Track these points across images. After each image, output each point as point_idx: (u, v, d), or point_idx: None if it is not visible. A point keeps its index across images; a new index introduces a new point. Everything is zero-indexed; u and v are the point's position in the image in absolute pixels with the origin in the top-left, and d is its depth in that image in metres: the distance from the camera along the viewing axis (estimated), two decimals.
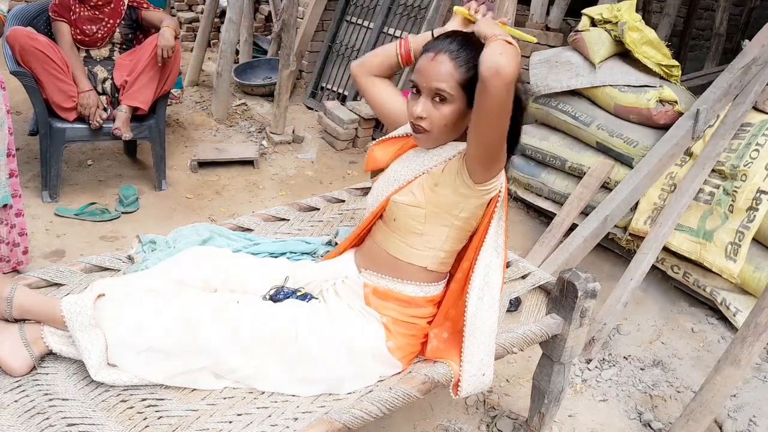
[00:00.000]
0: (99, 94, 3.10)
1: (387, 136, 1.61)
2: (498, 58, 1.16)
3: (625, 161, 2.94)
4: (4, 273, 2.32)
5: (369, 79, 1.63)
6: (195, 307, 1.38)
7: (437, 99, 1.35)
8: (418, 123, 1.39)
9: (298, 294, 1.51)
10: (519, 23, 4.01)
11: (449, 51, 1.34)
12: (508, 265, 1.94)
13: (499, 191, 1.40)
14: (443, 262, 1.49)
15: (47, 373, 1.35)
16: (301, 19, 4.99)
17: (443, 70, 1.33)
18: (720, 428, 2.11)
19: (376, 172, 1.60)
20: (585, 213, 2.93)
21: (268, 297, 1.51)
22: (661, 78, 3.05)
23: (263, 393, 1.39)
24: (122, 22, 3.23)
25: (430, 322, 1.53)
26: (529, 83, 3.31)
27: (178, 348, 1.33)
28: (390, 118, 1.63)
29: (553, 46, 3.88)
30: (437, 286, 1.52)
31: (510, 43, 1.21)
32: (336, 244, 1.85)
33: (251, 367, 1.37)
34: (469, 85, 1.31)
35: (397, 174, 1.47)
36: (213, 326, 1.35)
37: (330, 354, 1.39)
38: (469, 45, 1.34)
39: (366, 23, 4.71)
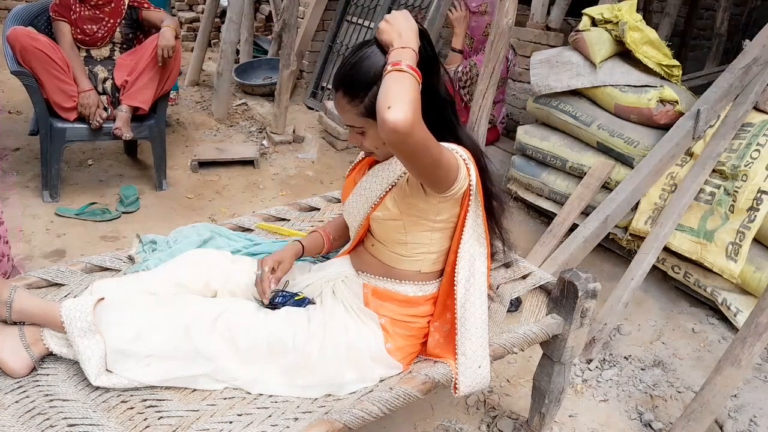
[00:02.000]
0: (99, 93, 3.10)
1: (353, 164, 1.63)
2: (386, 114, 1.04)
3: (626, 161, 2.94)
4: None
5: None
6: (194, 314, 1.38)
7: (356, 132, 1.36)
8: (360, 149, 1.42)
9: (296, 298, 1.51)
10: (520, 23, 4.01)
11: (339, 87, 1.31)
12: (508, 265, 1.94)
13: (470, 184, 1.35)
14: (436, 262, 1.49)
15: (47, 374, 1.35)
16: (302, 19, 4.99)
17: (341, 109, 1.33)
18: (721, 428, 2.11)
19: None
20: (585, 213, 2.93)
21: (267, 302, 1.50)
22: (662, 78, 3.05)
23: (263, 393, 1.39)
24: (123, 21, 3.23)
25: (430, 322, 1.53)
26: (529, 83, 3.31)
27: (178, 356, 1.34)
28: (344, 198, 1.63)
29: (554, 46, 3.88)
30: (435, 284, 1.51)
31: (402, 70, 1.11)
32: None
33: (251, 374, 1.38)
34: (372, 108, 1.22)
35: (367, 191, 1.45)
36: (211, 335, 1.35)
37: (330, 360, 1.39)
38: (359, 67, 1.27)
39: (367, 23, 4.71)
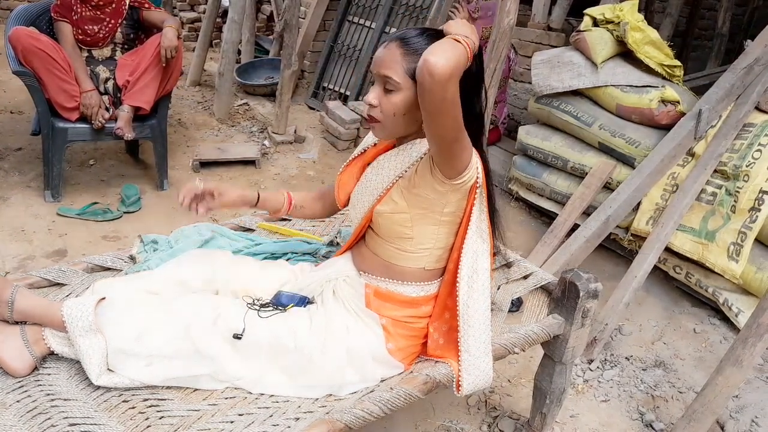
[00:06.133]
0: (101, 94, 3.11)
1: (348, 161, 1.61)
2: (430, 56, 1.12)
3: (627, 161, 2.94)
4: None
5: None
6: (195, 314, 1.38)
7: (387, 87, 1.34)
8: (369, 112, 1.38)
9: (297, 299, 1.50)
10: (521, 23, 4.02)
11: (401, 39, 1.33)
12: (510, 265, 1.94)
13: (477, 178, 1.37)
14: (440, 258, 1.48)
15: (49, 374, 1.35)
16: (303, 19, 4.99)
17: (390, 58, 1.32)
18: (722, 429, 2.10)
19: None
20: (587, 213, 2.93)
21: (268, 302, 1.50)
22: (664, 78, 3.05)
23: (264, 393, 1.39)
24: (124, 22, 3.23)
25: (429, 323, 1.53)
26: (530, 83, 3.31)
27: (179, 356, 1.34)
28: (340, 195, 1.60)
29: (555, 46, 3.89)
30: (436, 284, 1.51)
31: (458, 41, 1.18)
32: (338, 243, 1.85)
33: (252, 374, 1.38)
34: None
35: (372, 183, 1.45)
36: (212, 335, 1.35)
37: (331, 360, 1.39)
38: (425, 36, 1.32)
39: (368, 23, 4.72)
